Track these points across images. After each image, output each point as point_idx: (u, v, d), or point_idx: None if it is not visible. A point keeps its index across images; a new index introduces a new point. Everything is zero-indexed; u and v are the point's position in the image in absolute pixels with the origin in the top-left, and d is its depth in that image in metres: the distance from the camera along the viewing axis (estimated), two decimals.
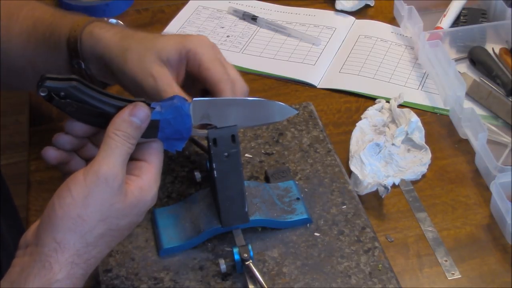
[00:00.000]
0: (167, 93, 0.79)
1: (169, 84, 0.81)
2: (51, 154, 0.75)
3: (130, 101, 0.73)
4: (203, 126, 0.79)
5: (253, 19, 1.27)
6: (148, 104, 0.73)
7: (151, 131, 0.74)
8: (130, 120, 0.71)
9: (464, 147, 1.02)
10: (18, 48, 0.89)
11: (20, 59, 0.90)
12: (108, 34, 0.85)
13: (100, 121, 0.73)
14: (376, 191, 0.93)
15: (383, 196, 0.92)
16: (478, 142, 0.97)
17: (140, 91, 0.82)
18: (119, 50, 0.83)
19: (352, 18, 1.28)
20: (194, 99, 0.76)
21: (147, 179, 0.72)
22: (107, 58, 0.84)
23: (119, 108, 0.72)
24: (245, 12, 1.29)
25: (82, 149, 0.77)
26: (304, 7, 1.31)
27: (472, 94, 1.08)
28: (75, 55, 0.86)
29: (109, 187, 0.68)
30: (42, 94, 0.71)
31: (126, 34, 0.85)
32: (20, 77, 0.93)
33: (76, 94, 0.72)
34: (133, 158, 0.73)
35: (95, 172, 0.68)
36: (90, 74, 0.87)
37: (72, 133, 0.75)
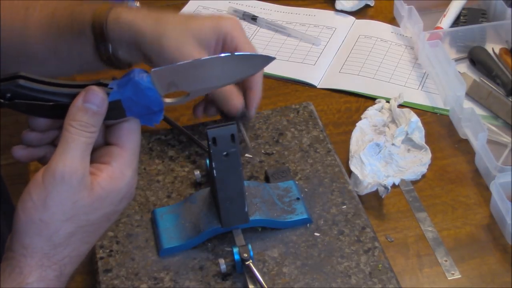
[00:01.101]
0: None
1: None
2: (19, 152, 0.72)
3: (84, 86, 0.68)
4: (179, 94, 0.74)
5: (253, 19, 1.27)
6: (106, 85, 0.68)
7: (117, 112, 0.68)
8: (84, 107, 0.66)
9: (464, 147, 1.02)
10: (38, 37, 0.87)
11: (41, 48, 0.88)
12: (138, 19, 0.83)
13: (59, 112, 0.68)
14: (376, 191, 0.93)
15: (383, 196, 0.92)
16: (478, 142, 0.97)
17: None
18: (154, 36, 0.81)
19: (352, 18, 1.28)
20: (153, 69, 0.69)
21: (118, 166, 0.68)
22: (140, 43, 0.82)
23: (73, 96, 0.67)
24: (245, 12, 1.29)
25: (56, 139, 0.74)
26: (304, 7, 1.31)
27: (472, 94, 1.08)
28: (101, 40, 0.84)
29: (67, 185, 0.65)
30: None
31: (157, 17, 0.83)
32: (43, 66, 0.91)
33: (22, 92, 0.66)
34: (106, 142, 0.70)
35: (51, 171, 0.65)
36: (118, 56, 0.85)
37: (36, 130, 0.72)
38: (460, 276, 0.86)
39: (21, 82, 0.66)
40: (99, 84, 0.68)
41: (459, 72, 1.06)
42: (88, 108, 0.67)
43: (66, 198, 0.65)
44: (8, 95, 0.66)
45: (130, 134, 0.69)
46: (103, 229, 0.70)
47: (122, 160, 0.69)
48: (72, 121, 0.66)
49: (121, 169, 0.68)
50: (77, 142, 0.66)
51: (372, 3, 1.29)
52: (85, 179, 0.66)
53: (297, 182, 0.92)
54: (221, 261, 0.82)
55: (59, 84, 0.68)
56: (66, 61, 0.87)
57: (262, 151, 0.98)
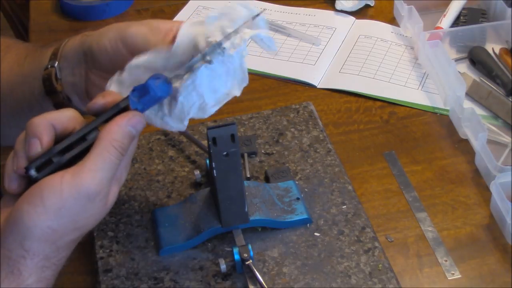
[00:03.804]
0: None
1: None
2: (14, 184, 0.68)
3: (114, 112, 0.68)
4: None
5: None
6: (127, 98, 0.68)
7: None
8: (128, 130, 0.66)
9: (464, 147, 1.02)
10: (4, 78, 0.86)
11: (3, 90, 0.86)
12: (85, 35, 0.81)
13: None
14: (380, 193, 0.93)
15: None
16: (478, 142, 0.97)
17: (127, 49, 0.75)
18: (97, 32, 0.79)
19: (352, 18, 1.28)
20: (171, 77, 0.70)
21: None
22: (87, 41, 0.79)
23: (107, 121, 0.67)
24: None
25: None
26: (304, 7, 1.31)
27: (472, 94, 1.08)
28: (53, 58, 0.81)
29: (89, 202, 0.65)
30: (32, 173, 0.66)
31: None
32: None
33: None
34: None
35: (76, 185, 0.63)
36: (59, 78, 0.81)
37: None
38: (460, 276, 0.86)
39: (65, 157, 0.66)
40: (125, 108, 0.68)
41: (459, 72, 1.06)
42: (131, 132, 0.67)
43: (83, 212, 0.65)
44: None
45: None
46: None
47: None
48: (114, 141, 0.65)
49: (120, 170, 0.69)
50: (113, 164, 0.66)
51: (372, 3, 1.29)
52: (106, 196, 0.66)
53: (297, 182, 0.92)
54: (221, 261, 0.82)
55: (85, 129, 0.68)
56: (20, 101, 0.84)
57: (262, 151, 0.98)
